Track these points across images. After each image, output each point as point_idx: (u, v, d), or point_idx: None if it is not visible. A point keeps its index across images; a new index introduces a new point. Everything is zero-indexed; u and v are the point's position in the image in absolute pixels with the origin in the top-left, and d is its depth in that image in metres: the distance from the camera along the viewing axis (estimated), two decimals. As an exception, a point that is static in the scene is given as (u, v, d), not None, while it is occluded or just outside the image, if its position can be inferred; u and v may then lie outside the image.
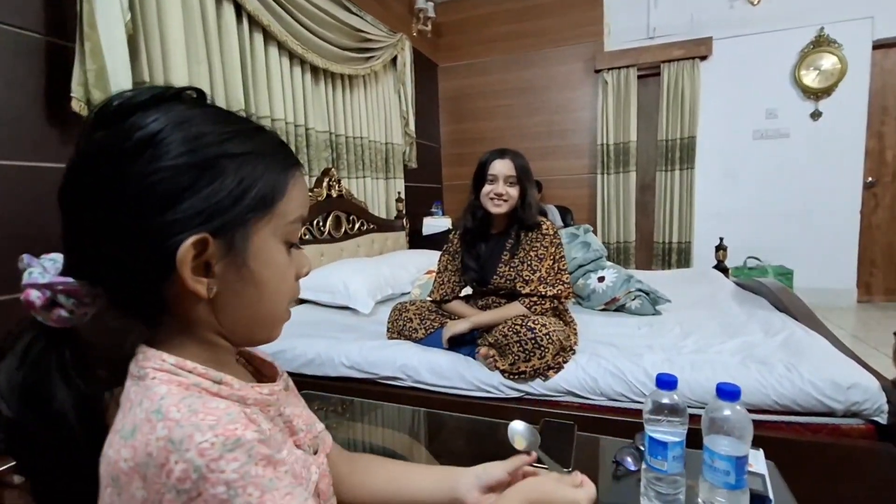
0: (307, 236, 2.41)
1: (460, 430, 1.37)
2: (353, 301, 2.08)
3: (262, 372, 0.56)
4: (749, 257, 3.72)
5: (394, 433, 1.26)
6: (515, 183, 1.53)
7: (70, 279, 0.40)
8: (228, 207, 0.40)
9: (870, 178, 3.61)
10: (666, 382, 0.75)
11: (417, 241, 3.57)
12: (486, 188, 1.54)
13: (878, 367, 1.23)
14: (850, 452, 1.12)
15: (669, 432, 0.76)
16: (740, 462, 0.71)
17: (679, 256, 3.90)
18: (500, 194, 1.52)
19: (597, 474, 0.97)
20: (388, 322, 1.73)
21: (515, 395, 1.41)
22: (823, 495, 1.07)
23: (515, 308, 1.51)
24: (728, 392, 0.71)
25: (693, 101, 3.71)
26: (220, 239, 0.40)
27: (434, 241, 3.46)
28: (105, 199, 0.38)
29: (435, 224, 3.70)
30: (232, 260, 0.41)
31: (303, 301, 2.25)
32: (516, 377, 1.40)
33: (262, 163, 0.43)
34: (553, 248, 1.53)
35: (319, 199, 2.45)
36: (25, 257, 0.41)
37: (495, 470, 0.62)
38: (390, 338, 1.72)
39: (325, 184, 2.50)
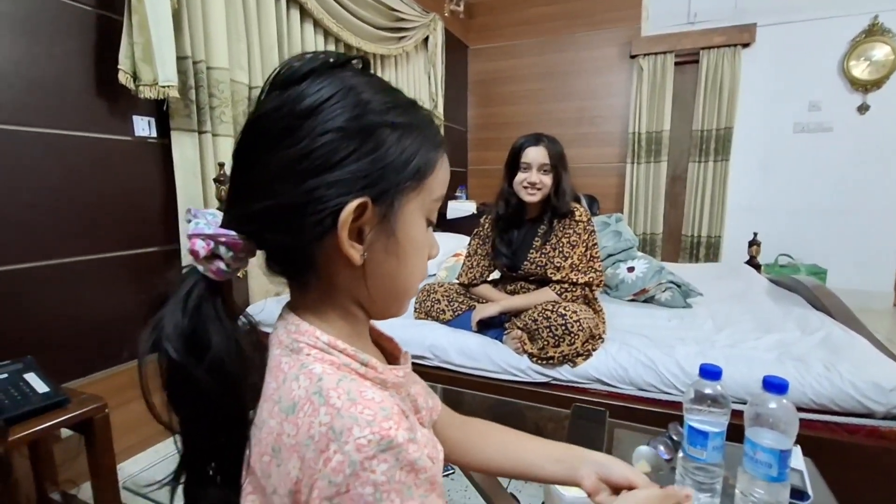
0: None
1: (489, 410, 1.38)
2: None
3: (385, 347, 0.57)
4: (781, 255, 3.62)
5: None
6: (549, 171, 1.51)
7: (232, 232, 0.41)
8: (390, 175, 0.41)
9: (916, 177, 3.44)
10: (710, 373, 0.75)
11: (442, 224, 3.58)
12: (520, 176, 1.52)
13: (921, 371, 1.19)
14: (890, 455, 1.10)
15: (710, 422, 0.75)
16: (784, 455, 0.70)
17: (708, 251, 3.82)
18: (533, 183, 1.50)
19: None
20: (416, 302, 1.74)
21: (543, 379, 1.41)
22: (860, 496, 1.06)
23: (546, 294, 1.51)
24: (775, 385, 0.70)
25: (732, 90, 3.59)
26: (378, 206, 0.41)
27: (458, 225, 3.46)
28: (276, 156, 0.40)
29: (460, 208, 3.69)
30: (382, 229, 0.42)
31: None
32: (544, 362, 1.41)
33: (419, 136, 0.44)
34: (586, 235, 1.52)
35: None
36: (192, 209, 0.43)
37: (618, 469, 0.60)
38: (417, 318, 1.74)
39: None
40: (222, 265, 0.42)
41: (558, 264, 1.51)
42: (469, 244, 1.74)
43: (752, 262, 2.60)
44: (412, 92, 3.27)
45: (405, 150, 0.42)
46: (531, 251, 1.57)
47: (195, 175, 1.75)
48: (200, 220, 0.42)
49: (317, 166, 0.39)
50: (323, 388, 0.37)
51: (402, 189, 0.42)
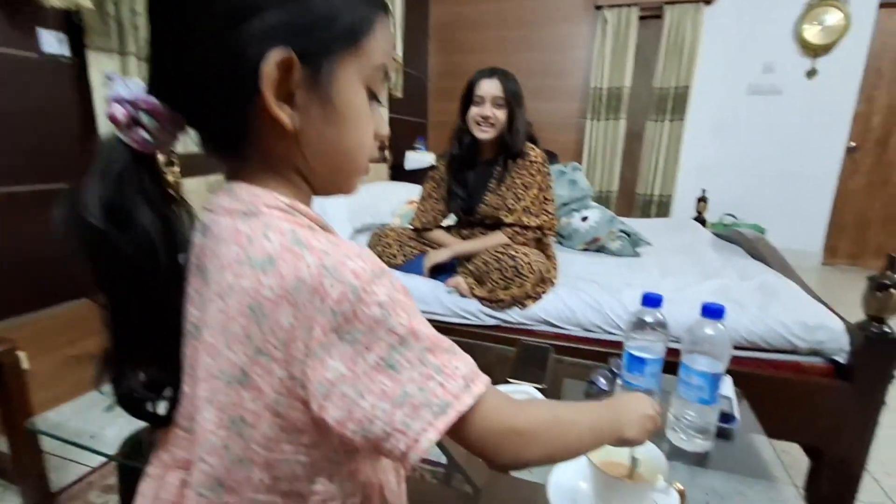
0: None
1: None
2: (330, 222, 2.01)
3: None
4: (726, 214, 3.77)
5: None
6: (503, 105, 1.45)
7: (153, 99, 0.39)
8: (316, 29, 0.38)
9: (852, 143, 3.63)
10: (652, 300, 0.75)
11: (399, 175, 3.47)
12: (473, 110, 1.46)
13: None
14: (810, 388, 1.17)
15: (648, 349, 0.76)
16: (716, 379, 0.71)
17: (659, 209, 3.93)
18: (486, 117, 1.44)
19: (571, 394, 0.99)
20: (366, 247, 1.69)
21: (493, 322, 1.41)
22: (782, 424, 1.13)
23: (497, 237, 1.49)
24: (713, 311, 0.71)
25: (692, 48, 3.59)
26: (306, 66, 0.38)
27: (417, 177, 3.36)
28: (190, 7, 0.37)
29: (418, 159, 3.59)
30: (316, 94, 0.39)
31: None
32: (494, 305, 1.40)
33: None
34: (540, 178, 1.49)
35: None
36: (109, 74, 0.40)
37: None
38: None
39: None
40: (145, 135, 0.39)
41: (511, 206, 1.48)
42: (423, 187, 1.68)
43: (699, 218, 2.69)
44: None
45: (332, 5, 0.39)
46: (487, 193, 1.53)
47: (119, 101, 1.57)
48: (120, 85, 0.39)
49: (233, 15, 0.36)
50: (301, 238, 0.36)
51: (333, 49, 0.39)
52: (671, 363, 0.82)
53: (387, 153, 3.29)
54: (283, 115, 0.38)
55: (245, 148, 0.41)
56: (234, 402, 0.38)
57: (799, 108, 3.58)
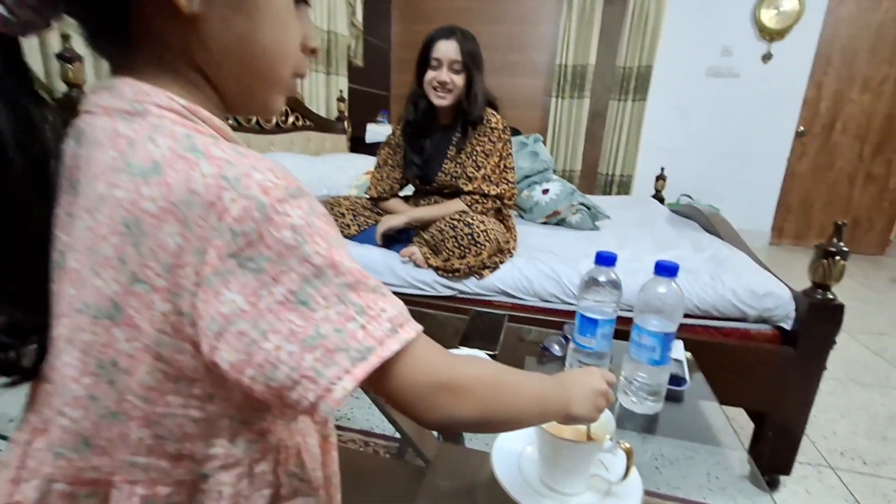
0: (230, 121, 2.14)
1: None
2: (282, 195, 1.91)
3: None
4: (682, 195, 3.86)
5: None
6: (461, 70, 1.37)
7: None
8: None
9: (801, 128, 3.76)
10: (605, 258, 0.71)
11: (359, 147, 3.35)
12: (429, 75, 1.37)
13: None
14: (757, 354, 1.19)
15: (600, 310, 0.73)
16: (667, 339, 0.69)
17: (619, 189, 3.98)
18: (443, 83, 1.36)
19: (524, 360, 0.96)
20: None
21: (448, 293, 1.37)
22: (730, 390, 1.15)
23: (455, 204, 1.43)
24: (666, 268, 0.68)
25: (655, 28, 3.60)
26: None
27: (377, 150, 3.26)
28: None
29: (379, 132, 3.47)
30: None
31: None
32: (450, 275, 1.35)
33: None
34: (500, 145, 1.44)
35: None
36: None
37: None
38: None
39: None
40: (2, 10, 0.31)
41: (471, 175, 1.43)
42: (378, 155, 1.60)
43: (658, 196, 2.72)
44: (326, -8, 2.91)
45: None
46: (445, 161, 1.47)
47: None
48: None
49: None
50: (197, 144, 0.30)
51: None
52: (624, 331, 0.80)
53: (346, 124, 3.15)
54: None
55: (131, 34, 0.34)
56: (102, 343, 0.31)
57: (754, 91, 3.68)
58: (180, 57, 0.35)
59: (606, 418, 0.52)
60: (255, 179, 0.29)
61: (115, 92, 0.33)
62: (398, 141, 1.55)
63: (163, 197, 0.29)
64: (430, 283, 1.37)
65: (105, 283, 0.30)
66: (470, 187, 1.43)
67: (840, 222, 1.09)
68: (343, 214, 1.56)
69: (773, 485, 1.28)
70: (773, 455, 1.23)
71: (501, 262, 1.38)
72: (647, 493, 0.83)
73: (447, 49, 1.35)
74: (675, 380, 0.79)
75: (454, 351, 0.68)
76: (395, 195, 1.61)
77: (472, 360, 0.40)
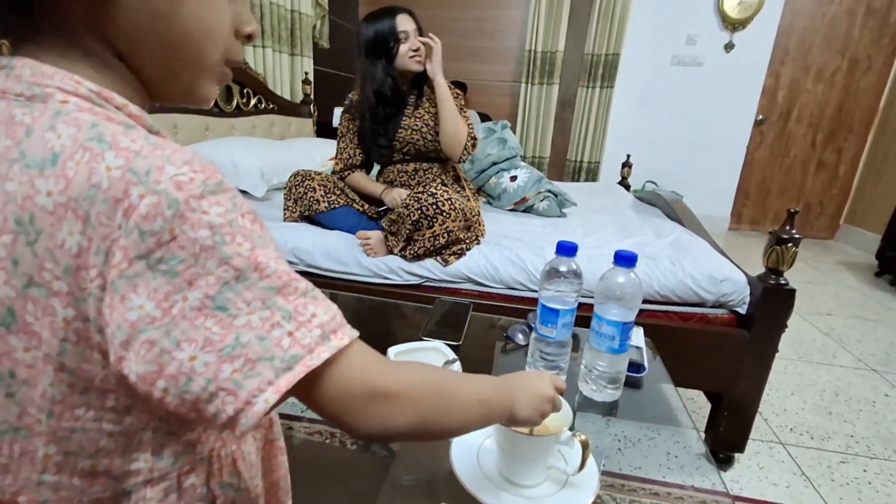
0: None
1: (354, 311, 1.30)
2: (241, 181, 1.84)
3: None
4: (647, 182, 3.94)
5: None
6: (420, 35, 1.47)
7: None
8: None
9: (760, 116, 3.88)
10: (566, 248, 0.71)
11: (326, 132, 3.27)
12: (404, 47, 1.44)
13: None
14: (714, 337, 1.23)
15: (561, 300, 0.73)
16: (626, 328, 0.70)
17: (587, 176, 4.03)
18: (417, 49, 1.45)
19: (488, 349, 0.96)
20: (286, 189, 1.55)
21: (415, 281, 1.35)
22: (688, 373, 1.18)
23: (449, 99, 1.47)
24: (625, 258, 0.68)
25: (623, 15, 3.62)
26: None
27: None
28: None
29: (347, 116, 3.39)
30: None
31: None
32: (414, 256, 1.33)
33: None
34: (458, 100, 1.52)
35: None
36: None
37: None
38: (288, 217, 1.56)
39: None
40: None
41: (429, 135, 1.50)
42: (340, 125, 1.61)
43: (623, 183, 2.77)
44: (288, -31, 2.78)
45: None
46: (403, 119, 1.51)
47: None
48: None
49: None
50: (104, 133, 0.28)
51: None
52: (586, 318, 0.80)
53: (312, 107, 3.06)
54: None
55: (34, 5, 0.30)
56: None
57: (717, 80, 3.76)
58: (91, 33, 0.31)
59: (564, 411, 0.52)
60: (168, 173, 0.27)
61: (12, 73, 0.29)
62: (357, 111, 1.57)
63: (60, 191, 0.26)
64: (395, 270, 1.35)
65: None
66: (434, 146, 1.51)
67: (792, 210, 1.13)
68: (314, 189, 1.52)
69: (727, 461, 1.34)
70: (728, 434, 1.28)
71: (468, 249, 1.37)
72: (609, 474, 0.85)
73: (405, 21, 1.44)
74: (634, 366, 0.80)
75: (416, 344, 0.67)
76: (360, 168, 1.62)
77: (409, 367, 0.38)
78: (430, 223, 1.28)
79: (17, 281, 0.27)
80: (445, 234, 1.30)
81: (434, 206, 1.27)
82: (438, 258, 1.34)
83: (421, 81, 1.53)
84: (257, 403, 0.28)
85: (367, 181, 1.58)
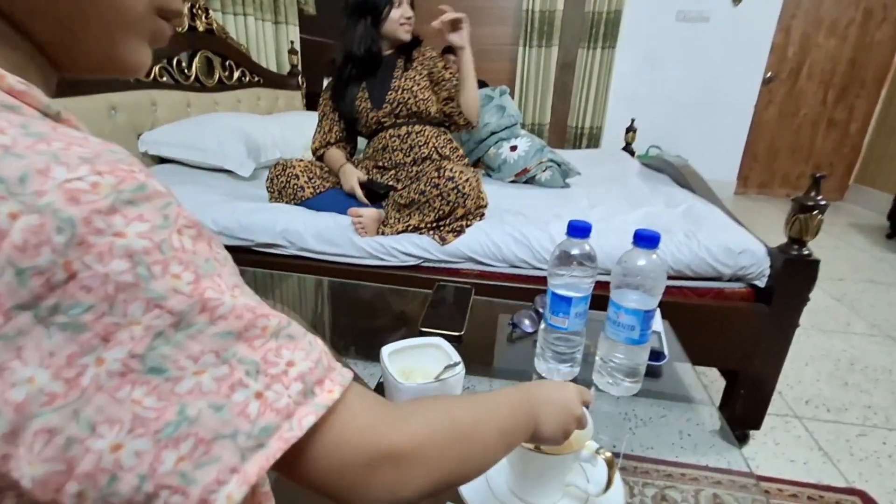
0: (164, 77, 1.91)
1: (347, 297, 1.23)
2: (227, 161, 1.74)
3: None
4: (651, 146, 3.81)
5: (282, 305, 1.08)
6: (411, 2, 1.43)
7: None
8: None
9: (769, 74, 3.72)
10: (578, 229, 0.63)
11: (316, 104, 3.12)
12: (395, 13, 1.39)
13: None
14: (731, 313, 1.16)
15: (574, 286, 0.65)
16: (648, 316, 0.62)
17: (589, 142, 3.89)
18: (409, 17, 1.41)
19: (493, 338, 0.89)
20: (268, 181, 1.46)
21: (412, 262, 1.27)
22: (703, 350, 1.12)
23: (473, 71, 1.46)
24: (646, 238, 0.60)
25: (625, -32, 3.42)
26: None
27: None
28: None
29: (337, 87, 3.24)
30: None
31: (164, 161, 1.86)
32: (435, 231, 1.27)
33: None
34: (440, 62, 1.53)
35: (179, 29, 1.92)
36: None
37: None
38: (272, 200, 1.47)
39: (185, 10, 1.95)
40: None
41: (423, 96, 1.46)
42: (320, 106, 1.55)
43: (628, 149, 2.65)
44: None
45: None
46: (392, 81, 1.45)
47: None
48: None
49: None
50: None
51: None
52: (599, 297, 0.73)
53: (300, 79, 2.91)
54: None
55: None
56: None
57: (724, 36, 3.58)
58: None
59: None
60: (56, 179, 0.18)
61: None
62: (334, 91, 1.51)
63: None
64: (390, 251, 1.27)
65: None
66: (434, 109, 1.49)
67: (817, 175, 1.04)
68: (297, 176, 1.43)
69: (743, 439, 1.29)
70: (744, 411, 1.23)
71: (468, 226, 1.29)
72: (623, 456, 0.79)
73: None
74: (654, 354, 0.73)
75: (413, 341, 0.60)
76: (337, 144, 1.55)
77: (418, 409, 0.30)
78: (453, 208, 1.25)
79: None
80: (466, 214, 1.28)
81: (455, 191, 1.23)
82: (436, 236, 1.26)
83: (408, 48, 1.48)
84: (216, 501, 0.20)
85: (332, 159, 1.51)
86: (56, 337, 0.19)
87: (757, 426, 1.26)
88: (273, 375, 0.22)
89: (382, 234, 1.29)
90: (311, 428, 0.23)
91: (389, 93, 1.44)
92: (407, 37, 1.42)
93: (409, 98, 1.44)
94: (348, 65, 1.45)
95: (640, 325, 0.62)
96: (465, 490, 0.48)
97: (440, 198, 1.24)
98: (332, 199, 1.42)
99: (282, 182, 1.43)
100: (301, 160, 1.49)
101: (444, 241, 1.24)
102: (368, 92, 1.46)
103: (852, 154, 3.86)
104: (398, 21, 1.39)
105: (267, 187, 1.47)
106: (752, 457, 1.27)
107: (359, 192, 1.37)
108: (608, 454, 0.44)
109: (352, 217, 1.29)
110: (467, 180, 1.25)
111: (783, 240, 1.13)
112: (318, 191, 1.43)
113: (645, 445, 1.33)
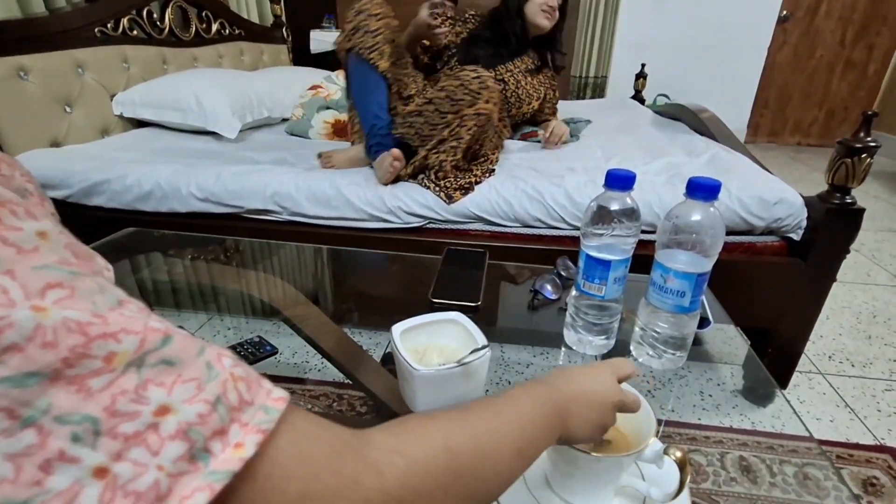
0: (135, 31, 1.74)
1: (348, 264, 1.14)
2: (209, 121, 1.60)
3: None
4: (659, 94, 3.63)
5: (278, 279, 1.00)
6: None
7: None
8: None
9: (785, 12, 3.48)
10: (621, 178, 0.53)
11: (304, 59, 2.93)
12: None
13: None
14: (763, 268, 1.08)
15: (613, 248, 0.55)
16: (700, 280, 0.53)
17: (594, 92, 3.70)
18: (553, 7, 1.44)
19: (512, 306, 0.81)
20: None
21: (416, 223, 1.17)
22: (732, 306, 1.05)
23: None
24: (705, 187, 0.50)
25: None
26: None
27: (326, 61, 2.85)
28: None
29: (326, 39, 3.03)
30: None
31: (142, 124, 1.72)
32: (446, 189, 1.16)
33: None
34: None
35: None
36: None
37: None
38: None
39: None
40: None
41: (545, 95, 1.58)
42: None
43: (638, 97, 2.50)
44: None
45: None
46: (510, 62, 1.50)
47: None
48: None
49: None
50: None
51: None
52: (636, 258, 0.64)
53: (285, 31, 2.71)
54: None
55: None
56: None
57: (738, -29, 3.33)
58: None
59: (644, 412, 0.37)
60: None
61: None
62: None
63: None
64: (393, 210, 1.17)
65: None
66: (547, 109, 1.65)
67: (871, 112, 0.93)
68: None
69: (768, 398, 1.24)
70: (770, 370, 1.17)
71: (478, 183, 1.18)
72: None
73: None
74: (700, 321, 0.65)
75: (426, 317, 0.51)
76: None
77: (400, 444, 0.22)
78: (474, 99, 1.15)
79: None
80: (476, 121, 1.17)
81: (478, 80, 1.16)
82: (441, 194, 1.15)
83: (552, 49, 1.58)
84: None
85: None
86: None
87: (784, 385, 1.21)
88: (128, 436, 0.14)
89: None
90: (232, 476, 0.15)
91: (500, 67, 1.47)
92: (545, 23, 1.44)
93: (540, 96, 1.57)
94: (489, 27, 1.49)
95: (692, 291, 0.53)
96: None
97: (461, 87, 1.15)
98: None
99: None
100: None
101: (450, 199, 1.14)
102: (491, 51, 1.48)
103: (869, 97, 3.68)
104: (541, 6, 1.42)
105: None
106: (776, 415, 1.22)
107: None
108: (678, 454, 0.36)
109: (388, 167, 1.17)
110: (489, 77, 1.18)
111: (797, 190, 1.04)
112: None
113: (665, 409, 1.29)
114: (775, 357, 1.15)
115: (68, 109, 1.48)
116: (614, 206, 0.53)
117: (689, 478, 0.35)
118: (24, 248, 0.14)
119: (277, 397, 0.17)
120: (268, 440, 0.17)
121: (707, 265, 0.53)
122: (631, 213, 0.53)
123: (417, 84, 1.37)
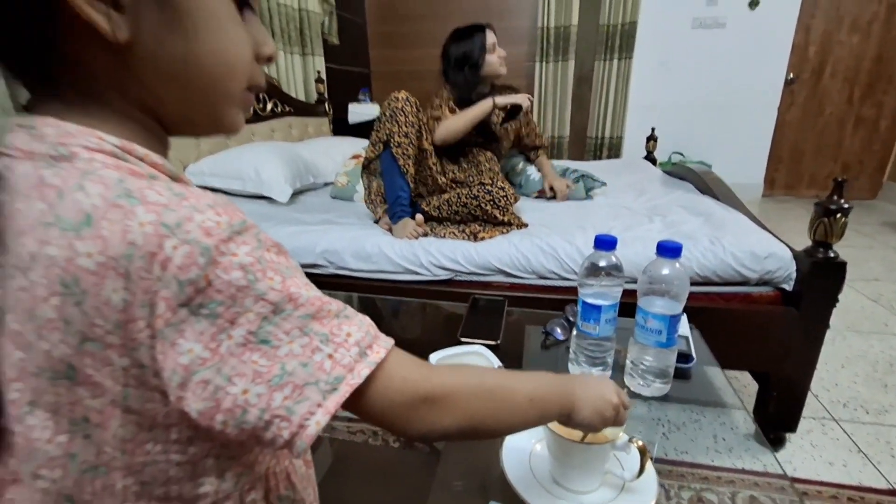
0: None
1: (385, 312, 1.30)
2: (266, 188, 1.85)
3: None
4: (674, 153, 3.82)
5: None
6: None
7: None
8: None
9: (791, 75, 3.69)
10: (605, 242, 0.69)
11: (343, 129, 3.26)
12: (493, 56, 1.67)
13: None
14: (759, 317, 1.19)
15: (603, 295, 0.70)
16: (674, 320, 0.67)
17: (610, 152, 3.92)
18: (503, 57, 1.70)
19: (527, 346, 0.94)
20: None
21: (445, 276, 1.34)
22: (733, 354, 1.15)
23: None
24: (669, 249, 0.66)
25: (638, -20, 3.48)
26: None
27: (362, 130, 3.18)
28: None
29: (363, 111, 3.38)
30: None
31: (207, 190, 1.99)
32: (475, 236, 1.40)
33: None
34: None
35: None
36: None
37: None
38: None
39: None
40: None
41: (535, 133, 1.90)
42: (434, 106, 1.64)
43: (650, 157, 2.68)
44: (293, -33, 2.76)
45: None
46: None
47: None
48: None
49: None
50: (132, 189, 0.28)
51: None
52: (627, 305, 0.78)
53: (327, 106, 3.06)
54: (97, 15, 0.28)
55: (55, 67, 0.30)
56: (69, 402, 0.30)
57: (742, 40, 3.58)
58: (112, 88, 0.32)
59: None
60: (196, 222, 0.28)
61: (36, 133, 0.30)
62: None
63: (100, 252, 0.27)
64: (425, 265, 1.34)
65: (53, 345, 0.28)
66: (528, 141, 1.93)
67: (840, 178, 1.07)
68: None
69: (779, 442, 1.30)
70: (778, 413, 1.24)
71: (502, 234, 1.39)
72: (656, 460, 0.83)
73: (491, 35, 1.68)
74: (682, 357, 0.77)
75: (457, 349, 0.66)
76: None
77: (450, 369, 0.40)
78: (503, 211, 1.44)
79: (72, 339, 0.28)
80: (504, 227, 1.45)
81: (505, 198, 1.43)
82: (469, 236, 1.39)
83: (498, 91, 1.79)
84: (310, 426, 0.30)
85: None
86: (203, 323, 0.28)
87: (792, 428, 1.27)
88: (338, 343, 0.31)
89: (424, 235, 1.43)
90: (366, 377, 0.32)
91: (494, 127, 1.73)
92: (504, 70, 1.71)
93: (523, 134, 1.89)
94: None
95: (667, 330, 0.67)
96: (512, 476, 0.54)
97: (492, 202, 1.43)
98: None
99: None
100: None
101: (476, 238, 1.37)
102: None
103: (884, 151, 3.77)
104: (497, 62, 1.68)
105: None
106: (789, 460, 1.27)
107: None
108: (640, 442, 0.49)
109: (409, 229, 1.43)
110: (513, 193, 1.47)
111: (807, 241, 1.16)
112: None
113: (679, 450, 1.35)
114: (781, 400, 1.22)
115: (151, 181, 1.76)
116: (602, 263, 0.69)
117: (648, 459, 0.48)
118: (294, 268, 0.32)
119: (389, 338, 0.35)
120: (389, 352, 0.34)
121: (678, 308, 0.66)
122: (615, 268, 0.68)
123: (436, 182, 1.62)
